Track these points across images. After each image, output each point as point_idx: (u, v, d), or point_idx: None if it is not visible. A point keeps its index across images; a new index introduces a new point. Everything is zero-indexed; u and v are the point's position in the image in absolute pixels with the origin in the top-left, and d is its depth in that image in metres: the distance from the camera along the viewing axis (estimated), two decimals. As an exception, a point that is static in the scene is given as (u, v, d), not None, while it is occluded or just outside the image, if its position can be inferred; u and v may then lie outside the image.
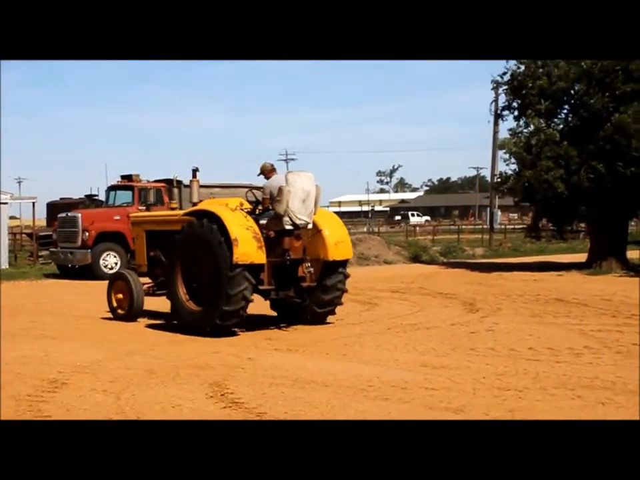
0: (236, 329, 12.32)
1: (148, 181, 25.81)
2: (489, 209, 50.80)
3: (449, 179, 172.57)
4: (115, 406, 7.69)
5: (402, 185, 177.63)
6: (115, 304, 14.30)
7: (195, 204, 13.91)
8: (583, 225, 32.10)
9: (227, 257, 11.77)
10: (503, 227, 56.17)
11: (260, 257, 12.09)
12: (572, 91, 23.70)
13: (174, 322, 13.12)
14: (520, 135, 24.11)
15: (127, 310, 14.05)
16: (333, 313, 13.53)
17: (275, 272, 12.71)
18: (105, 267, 24.13)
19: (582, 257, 26.43)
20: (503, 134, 28.21)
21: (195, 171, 14.38)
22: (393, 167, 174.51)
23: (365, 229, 56.89)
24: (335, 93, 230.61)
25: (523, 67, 24.38)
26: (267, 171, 13.28)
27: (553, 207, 24.21)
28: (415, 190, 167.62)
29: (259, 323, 13.23)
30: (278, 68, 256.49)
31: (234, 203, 12.99)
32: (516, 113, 25.02)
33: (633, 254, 27.31)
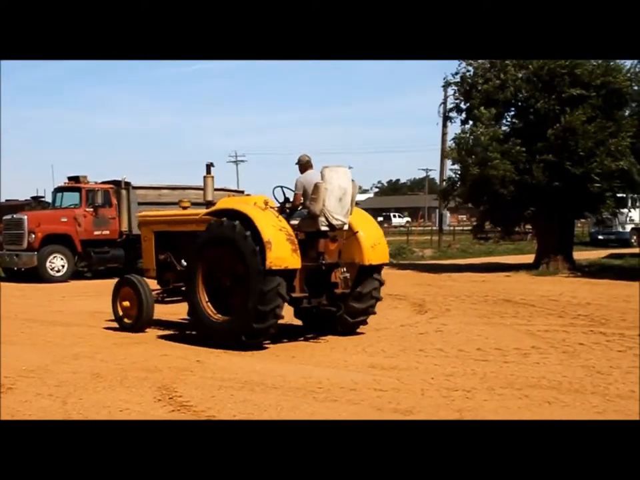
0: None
1: (96, 183, 25.56)
2: (438, 210, 51.13)
3: (398, 180, 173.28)
4: (61, 410, 7.57)
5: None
6: (120, 312, 13.01)
7: (209, 203, 12.94)
8: (529, 226, 32.45)
9: (259, 262, 10.60)
10: (452, 228, 56.62)
11: (295, 262, 10.87)
12: (519, 94, 23.93)
13: (194, 333, 11.84)
14: (465, 136, 24.26)
15: (134, 319, 12.79)
16: (364, 323, 12.37)
17: (307, 278, 11.49)
18: (52, 269, 23.76)
19: (530, 258, 26.72)
20: (452, 136, 28.45)
21: (209, 166, 13.39)
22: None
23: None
24: (285, 94, 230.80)
25: (472, 70, 24.58)
26: (303, 165, 11.89)
27: (498, 208, 24.44)
28: (365, 192, 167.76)
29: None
30: (227, 68, 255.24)
31: (259, 201, 11.76)
32: (464, 115, 25.24)
33: (579, 254, 27.72)
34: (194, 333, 12.10)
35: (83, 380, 8.97)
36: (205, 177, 13.42)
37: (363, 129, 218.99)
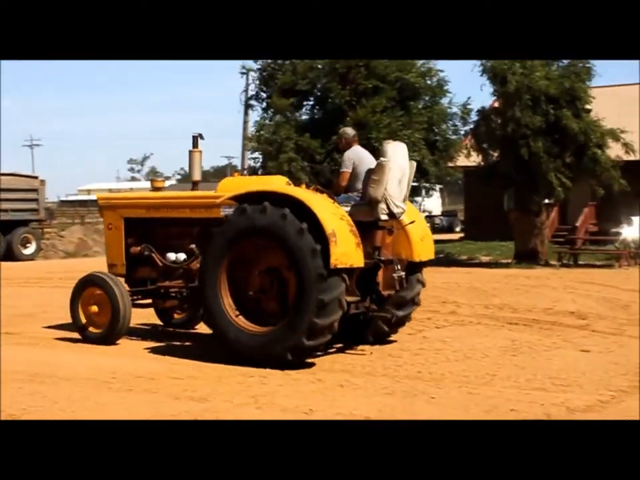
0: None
1: None
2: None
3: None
4: None
5: (154, 174, 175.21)
6: (83, 320, 10.45)
7: (194, 183, 11.10)
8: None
9: (320, 265, 8.45)
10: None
11: (359, 259, 8.78)
12: (318, 85, 24.39)
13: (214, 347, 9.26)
14: (264, 127, 24.49)
15: (106, 329, 10.22)
16: (395, 332, 10.47)
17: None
18: None
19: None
20: (253, 124, 28.58)
21: (196, 138, 11.03)
22: (145, 155, 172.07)
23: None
24: (82, 79, 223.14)
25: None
26: (349, 139, 9.97)
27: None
28: (167, 178, 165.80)
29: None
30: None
31: (281, 182, 9.91)
32: (264, 104, 25.44)
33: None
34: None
35: None
36: (190, 151, 11.12)
37: (164, 114, 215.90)
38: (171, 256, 10.58)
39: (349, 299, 8.88)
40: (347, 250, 8.57)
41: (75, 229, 33.94)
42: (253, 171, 26.54)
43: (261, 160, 24.93)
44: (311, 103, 25.26)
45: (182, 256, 10.54)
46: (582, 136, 22.55)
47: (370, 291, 9.54)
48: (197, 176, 11.08)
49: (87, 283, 10.52)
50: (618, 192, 23.57)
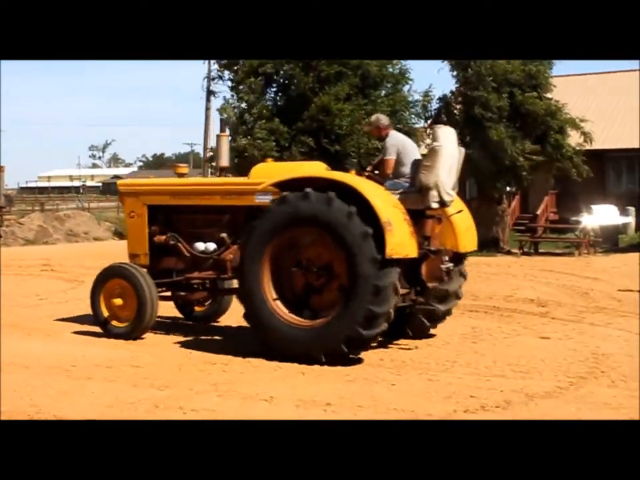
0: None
1: None
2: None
3: (163, 154, 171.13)
4: None
5: (115, 160, 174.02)
6: (105, 313, 9.93)
7: (221, 169, 10.61)
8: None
9: (373, 249, 7.98)
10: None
11: (413, 248, 8.30)
12: (281, 71, 24.34)
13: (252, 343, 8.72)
14: (234, 107, 24.44)
15: (131, 323, 9.69)
16: (435, 326, 9.93)
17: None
18: None
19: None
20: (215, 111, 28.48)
21: (224, 121, 10.79)
22: (106, 141, 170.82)
23: (74, 205, 55.10)
24: (42, 63, 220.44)
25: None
26: (384, 128, 9.49)
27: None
28: (128, 165, 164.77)
29: None
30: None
31: (320, 167, 9.59)
32: (230, 83, 25.39)
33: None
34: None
35: None
36: (218, 135, 10.69)
37: (128, 100, 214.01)
38: (200, 246, 10.02)
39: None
40: (402, 239, 8.11)
41: (35, 216, 33.52)
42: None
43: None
44: (274, 89, 25.21)
45: (212, 246, 9.97)
46: (547, 118, 22.77)
47: (414, 282, 8.90)
48: (224, 162, 10.58)
49: (110, 274, 9.95)
50: (580, 180, 23.85)
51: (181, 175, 10.85)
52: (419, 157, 9.20)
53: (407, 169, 9.14)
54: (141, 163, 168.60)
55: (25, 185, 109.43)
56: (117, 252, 23.35)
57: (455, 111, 24.33)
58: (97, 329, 10.27)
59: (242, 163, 24.43)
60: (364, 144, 23.02)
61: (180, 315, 11.27)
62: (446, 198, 8.87)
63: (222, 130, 10.60)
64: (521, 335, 10.05)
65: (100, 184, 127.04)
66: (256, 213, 8.92)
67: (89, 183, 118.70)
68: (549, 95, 24.02)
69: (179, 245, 10.09)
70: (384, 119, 9.69)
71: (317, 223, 8.30)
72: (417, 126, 25.35)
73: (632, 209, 27.26)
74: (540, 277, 16.80)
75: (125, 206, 10.82)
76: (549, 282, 15.73)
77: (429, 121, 25.74)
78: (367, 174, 9.23)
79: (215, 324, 11.12)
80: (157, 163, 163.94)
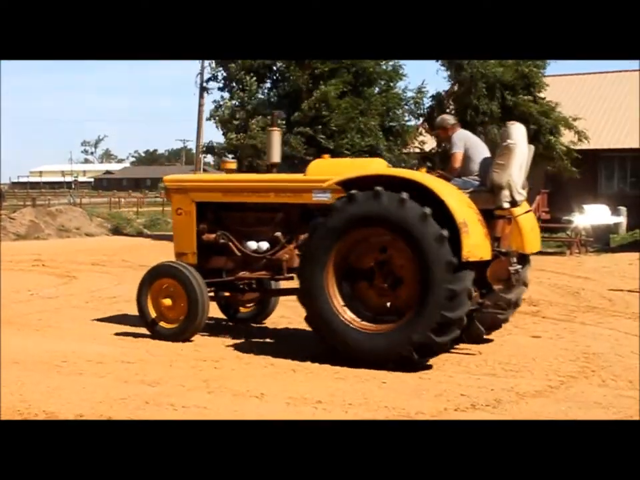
0: None
1: None
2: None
3: (155, 150, 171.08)
4: None
5: (107, 156, 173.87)
6: (153, 314, 9.59)
7: (272, 166, 10.13)
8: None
9: (448, 252, 7.62)
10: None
11: (488, 251, 8.01)
12: (274, 67, 24.36)
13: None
14: (223, 107, 24.43)
15: (180, 324, 9.36)
16: (489, 333, 9.52)
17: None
18: None
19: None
20: (209, 106, 28.48)
21: (276, 116, 10.33)
22: (99, 137, 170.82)
23: (66, 200, 54.96)
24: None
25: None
26: (451, 127, 9.27)
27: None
28: (121, 161, 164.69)
29: None
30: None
31: (381, 164, 9.25)
32: (221, 84, 25.37)
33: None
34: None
35: None
36: (269, 130, 10.21)
37: (123, 98, 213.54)
38: (252, 245, 9.64)
39: None
40: (477, 241, 7.78)
41: (27, 211, 33.35)
42: (209, 151, 26.48)
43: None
44: (268, 85, 25.24)
45: (265, 245, 9.61)
46: (541, 118, 22.81)
47: (480, 284, 8.39)
48: (276, 157, 10.07)
49: (159, 274, 9.62)
50: (568, 180, 23.92)
51: (230, 171, 10.45)
52: (489, 155, 8.94)
53: (475, 166, 8.86)
54: (133, 159, 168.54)
55: (16, 180, 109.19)
56: (109, 248, 23.43)
57: (448, 110, 24.33)
58: (88, 325, 10.27)
59: (237, 160, 24.54)
60: (357, 142, 23.04)
61: (223, 317, 10.92)
62: (517, 197, 8.54)
63: (273, 124, 10.22)
64: (512, 334, 10.05)
65: (92, 179, 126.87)
66: (312, 211, 8.70)
67: (81, 179, 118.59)
68: (541, 95, 24.07)
69: (230, 243, 9.72)
70: (449, 118, 9.54)
71: (387, 224, 7.93)
72: (409, 124, 25.39)
73: (623, 209, 27.26)
74: (531, 276, 16.76)
75: (172, 203, 10.34)
76: (540, 281, 15.74)
77: (421, 119, 25.79)
78: (437, 173, 8.90)
79: (259, 325, 10.76)
80: (150, 159, 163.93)
